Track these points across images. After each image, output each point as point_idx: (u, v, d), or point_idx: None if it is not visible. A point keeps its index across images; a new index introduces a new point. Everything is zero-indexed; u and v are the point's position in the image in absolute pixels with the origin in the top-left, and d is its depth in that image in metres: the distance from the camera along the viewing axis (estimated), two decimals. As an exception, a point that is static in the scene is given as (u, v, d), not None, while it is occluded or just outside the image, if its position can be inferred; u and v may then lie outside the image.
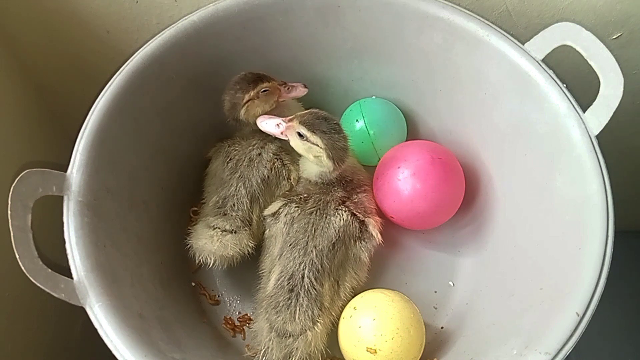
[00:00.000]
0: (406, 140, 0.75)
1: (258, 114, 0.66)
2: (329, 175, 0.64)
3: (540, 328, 0.50)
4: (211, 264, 0.63)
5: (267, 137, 0.68)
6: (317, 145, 0.60)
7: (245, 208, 0.65)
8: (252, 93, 0.65)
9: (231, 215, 0.65)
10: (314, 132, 0.60)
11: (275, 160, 0.67)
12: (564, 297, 0.51)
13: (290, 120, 0.61)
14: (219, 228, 0.63)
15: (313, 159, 0.62)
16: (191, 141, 0.71)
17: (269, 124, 0.63)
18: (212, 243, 0.62)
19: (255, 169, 0.67)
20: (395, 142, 0.73)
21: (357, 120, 0.73)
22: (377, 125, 0.73)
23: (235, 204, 0.65)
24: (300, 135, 0.61)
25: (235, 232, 0.64)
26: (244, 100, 0.65)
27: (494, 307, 0.61)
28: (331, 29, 0.70)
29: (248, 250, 0.64)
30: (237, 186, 0.66)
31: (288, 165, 0.68)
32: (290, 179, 0.68)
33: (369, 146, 0.73)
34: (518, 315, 0.56)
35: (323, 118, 0.60)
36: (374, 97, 0.77)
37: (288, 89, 0.68)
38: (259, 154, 0.68)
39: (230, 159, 0.68)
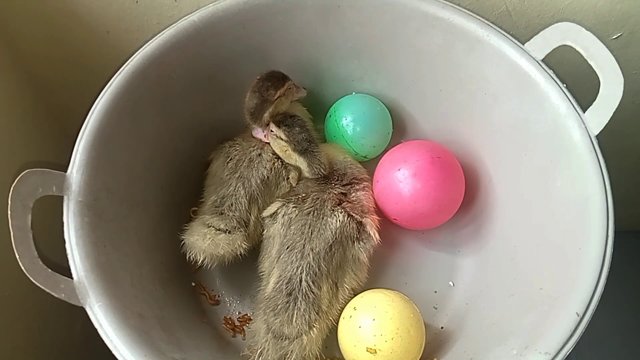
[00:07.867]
0: (392, 131, 0.76)
1: (281, 111, 0.68)
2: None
3: (540, 328, 0.50)
4: (200, 261, 0.63)
5: None
6: (282, 139, 0.65)
7: (243, 208, 0.65)
8: (283, 89, 0.66)
9: (228, 215, 0.65)
10: (279, 127, 0.65)
11: (275, 160, 0.68)
12: (564, 297, 0.51)
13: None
14: (214, 227, 0.63)
15: (285, 156, 0.67)
16: (191, 141, 0.71)
17: (257, 130, 0.69)
18: (203, 241, 0.62)
19: (255, 170, 0.67)
20: (380, 134, 0.74)
21: (336, 120, 0.73)
22: (359, 120, 0.72)
23: (233, 204, 0.65)
24: (271, 132, 0.66)
25: (229, 232, 0.63)
26: (276, 96, 0.66)
27: (494, 307, 0.61)
28: (331, 29, 0.70)
29: (241, 252, 0.64)
30: (236, 186, 0.66)
31: (287, 165, 0.68)
32: (289, 179, 0.68)
33: (357, 143, 0.72)
34: (518, 315, 0.56)
35: (289, 116, 0.66)
36: (353, 93, 0.77)
37: (297, 89, 0.70)
38: (259, 155, 0.68)
39: (230, 159, 0.68)
